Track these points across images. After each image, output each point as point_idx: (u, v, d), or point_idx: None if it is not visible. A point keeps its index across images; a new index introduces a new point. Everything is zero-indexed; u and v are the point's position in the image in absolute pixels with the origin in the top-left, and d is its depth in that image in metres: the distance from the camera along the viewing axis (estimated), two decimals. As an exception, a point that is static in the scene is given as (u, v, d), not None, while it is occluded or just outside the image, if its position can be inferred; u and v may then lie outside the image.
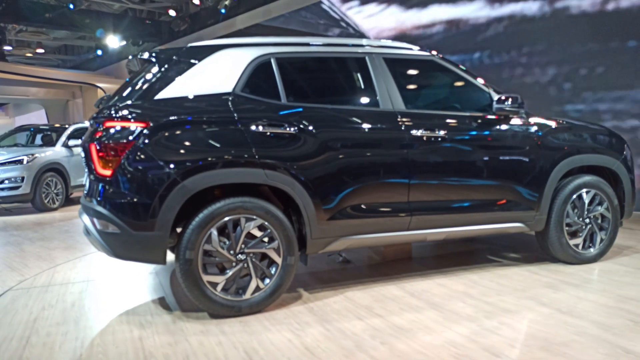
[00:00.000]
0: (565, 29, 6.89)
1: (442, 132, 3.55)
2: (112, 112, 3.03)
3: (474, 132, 3.69)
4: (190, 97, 3.12)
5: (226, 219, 3.03)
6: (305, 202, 3.19)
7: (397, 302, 3.27)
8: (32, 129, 10.47)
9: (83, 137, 3.34)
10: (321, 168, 3.23)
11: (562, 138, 3.96)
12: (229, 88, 3.20)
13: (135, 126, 2.93)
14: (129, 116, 2.97)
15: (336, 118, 3.37)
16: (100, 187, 2.99)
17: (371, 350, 2.54)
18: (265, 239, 3.14)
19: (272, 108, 3.23)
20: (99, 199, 2.99)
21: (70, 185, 9.15)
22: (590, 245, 4.06)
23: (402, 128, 3.46)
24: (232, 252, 3.05)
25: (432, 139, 3.52)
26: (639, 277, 3.61)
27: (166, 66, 3.21)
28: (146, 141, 2.92)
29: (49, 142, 9.43)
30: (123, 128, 2.94)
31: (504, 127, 3.76)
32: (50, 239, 6.06)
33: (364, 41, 3.70)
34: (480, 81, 3.86)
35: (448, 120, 3.64)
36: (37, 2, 13.76)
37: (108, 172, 2.94)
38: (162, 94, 3.09)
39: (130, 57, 3.49)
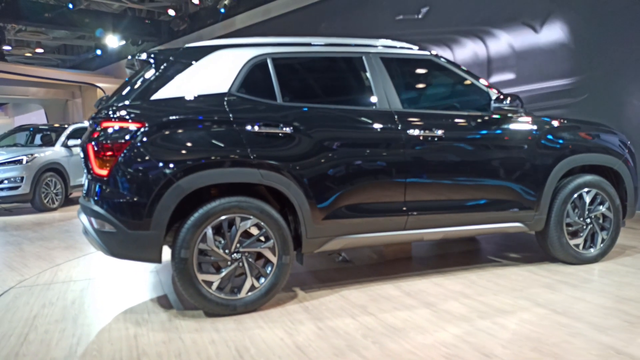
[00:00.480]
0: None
1: (439, 132, 3.54)
2: (109, 112, 3.06)
3: (471, 132, 3.68)
4: (187, 97, 3.14)
5: (221, 218, 3.05)
6: (300, 201, 3.20)
7: (393, 301, 3.27)
8: (31, 129, 10.48)
9: (82, 137, 3.38)
10: (316, 168, 3.23)
11: (562, 137, 3.93)
12: (225, 88, 3.22)
13: (130, 126, 2.97)
14: (125, 116, 3.00)
15: (332, 118, 3.38)
16: (97, 187, 3.03)
17: (362, 350, 2.55)
18: (261, 238, 3.16)
19: (268, 108, 3.24)
20: (96, 198, 3.03)
21: (70, 185, 9.18)
22: (591, 245, 4.03)
23: (399, 128, 3.46)
24: (227, 251, 3.07)
25: (429, 138, 3.51)
26: (639, 278, 3.56)
27: (163, 67, 3.23)
28: (142, 141, 2.95)
29: (48, 142, 9.45)
30: (119, 128, 2.98)
31: (502, 126, 3.74)
32: (49, 239, 6.11)
33: (361, 41, 3.70)
34: (479, 81, 3.84)
35: (445, 120, 3.63)
36: (37, 1, 13.75)
37: (104, 172, 2.97)
38: (159, 95, 3.12)
39: (129, 57, 3.53)
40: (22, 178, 8.40)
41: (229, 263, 3.08)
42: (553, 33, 7.07)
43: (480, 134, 3.69)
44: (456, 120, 3.69)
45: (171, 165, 2.94)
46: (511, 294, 3.32)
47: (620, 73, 6.44)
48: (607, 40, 6.51)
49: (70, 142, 9.26)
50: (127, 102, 3.10)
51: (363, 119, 3.46)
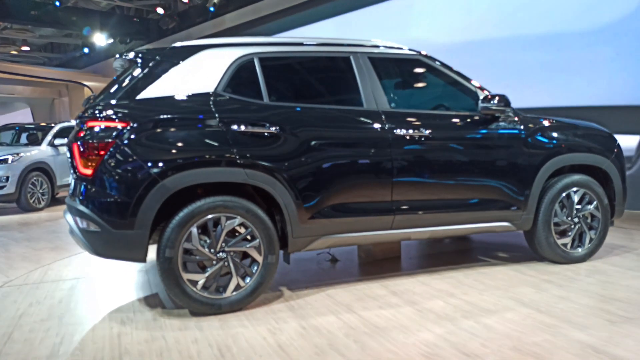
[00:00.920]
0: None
1: (426, 132, 3.54)
2: (94, 111, 3.07)
3: (458, 131, 3.69)
4: (173, 96, 3.15)
5: (206, 217, 3.06)
6: (286, 201, 3.21)
7: (378, 300, 3.28)
8: (17, 128, 10.30)
9: (69, 137, 3.39)
10: (302, 167, 3.24)
11: (550, 137, 3.93)
12: (211, 88, 3.23)
13: (115, 126, 2.97)
14: (110, 116, 3.01)
15: (318, 117, 3.39)
16: (82, 186, 3.04)
17: (343, 349, 2.55)
18: (247, 238, 3.16)
19: (254, 108, 3.25)
20: (81, 198, 3.04)
21: (56, 184, 9.05)
22: (579, 244, 4.03)
23: (386, 127, 3.46)
24: (212, 250, 3.08)
25: (416, 138, 3.52)
26: (626, 278, 3.58)
27: (149, 66, 3.24)
28: (126, 141, 2.95)
29: (34, 141, 9.31)
30: (103, 128, 2.99)
31: (489, 126, 3.75)
32: (36, 239, 6.04)
33: (348, 40, 3.70)
34: (468, 81, 3.85)
35: (432, 120, 3.64)
36: (23, -2, 13.49)
37: (89, 172, 2.98)
38: (145, 94, 3.13)
39: (117, 56, 3.54)
40: (7, 178, 8.28)
41: (214, 262, 3.09)
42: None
43: (467, 134, 3.70)
44: (443, 120, 3.70)
45: (155, 165, 2.95)
46: (496, 293, 3.33)
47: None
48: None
49: (57, 141, 9.13)
50: (112, 102, 3.10)
51: (350, 118, 3.47)
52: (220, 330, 2.86)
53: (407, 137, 3.50)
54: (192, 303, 3.06)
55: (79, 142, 3.02)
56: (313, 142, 3.28)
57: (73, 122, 9.28)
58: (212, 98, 3.19)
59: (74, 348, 2.70)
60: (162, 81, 3.19)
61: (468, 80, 3.86)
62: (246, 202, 3.14)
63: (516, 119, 3.85)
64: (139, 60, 3.29)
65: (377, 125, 3.46)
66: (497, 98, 3.66)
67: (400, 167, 3.48)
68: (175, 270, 3.00)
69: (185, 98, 3.17)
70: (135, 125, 2.99)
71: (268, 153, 3.16)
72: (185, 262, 3.05)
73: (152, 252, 3.07)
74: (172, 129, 3.04)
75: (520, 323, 2.80)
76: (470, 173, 3.68)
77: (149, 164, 2.94)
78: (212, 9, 13.14)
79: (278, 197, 3.19)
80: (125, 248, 2.99)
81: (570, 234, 3.99)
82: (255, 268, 3.19)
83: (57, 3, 13.28)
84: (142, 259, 3.03)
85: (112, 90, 3.23)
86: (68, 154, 3.26)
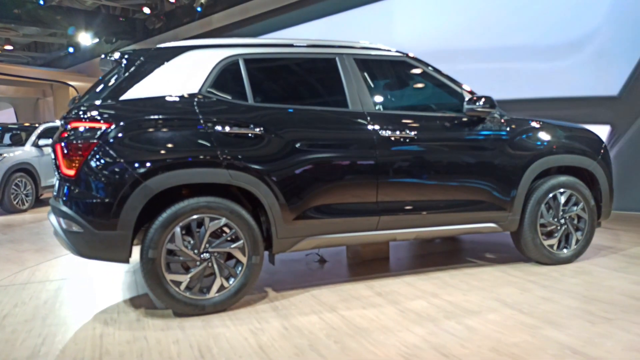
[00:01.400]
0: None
1: (411, 133, 3.55)
2: (78, 112, 3.07)
3: (443, 133, 3.70)
4: (156, 97, 3.15)
5: (190, 218, 3.06)
6: (270, 202, 3.21)
7: (362, 301, 3.28)
8: (0, 128, 10.11)
9: (53, 137, 3.39)
10: (287, 168, 3.24)
11: (536, 138, 3.94)
12: (195, 89, 3.23)
13: (98, 126, 2.98)
14: (93, 117, 3.01)
15: (303, 118, 3.39)
16: (65, 187, 3.04)
17: (323, 349, 2.56)
18: (231, 238, 3.17)
19: (238, 109, 3.26)
20: (64, 198, 3.04)
21: (41, 186, 8.92)
22: (566, 245, 4.04)
23: (371, 129, 3.47)
24: (196, 251, 3.08)
25: (401, 139, 3.52)
26: (610, 278, 3.58)
27: (134, 67, 3.24)
28: (109, 141, 2.96)
29: (18, 142, 9.19)
30: (86, 128, 2.99)
31: (474, 127, 3.75)
32: (20, 241, 5.98)
33: (334, 42, 3.71)
34: (453, 82, 3.86)
35: (418, 121, 3.64)
36: (6, -3, 13.27)
37: (72, 172, 2.98)
38: (128, 95, 3.13)
39: (102, 56, 3.54)
40: None
41: (197, 263, 3.09)
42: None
43: (453, 135, 3.71)
44: (429, 121, 3.71)
45: (138, 166, 2.95)
46: (481, 294, 3.33)
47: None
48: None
49: (41, 142, 9.00)
50: (96, 102, 3.11)
51: (334, 119, 3.48)
52: (203, 330, 2.87)
53: (392, 139, 3.50)
54: (175, 304, 3.06)
55: (62, 143, 3.02)
56: (297, 143, 3.28)
57: (57, 123, 9.19)
58: (196, 99, 3.20)
59: (55, 349, 2.70)
60: (146, 82, 3.19)
61: (454, 82, 3.87)
62: (230, 203, 3.15)
63: (502, 120, 3.86)
64: (124, 61, 3.29)
65: (361, 127, 3.46)
66: (482, 100, 3.67)
67: (385, 169, 3.49)
68: (158, 270, 3.00)
69: (169, 99, 3.17)
70: (118, 126, 2.99)
71: (252, 154, 3.17)
72: (168, 262, 3.05)
73: (137, 253, 3.07)
74: (155, 130, 3.04)
75: (501, 324, 2.81)
76: (455, 174, 3.69)
77: (132, 165, 2.95)
78: (199, 9, 13.07)
79: (262, 198, 3.20)
80: (108, 249, 2.99)
81: (556, 235, 4.00)
82: (240, 269, 3.19)
83: (41, 2, 13.07)
84: (125, 259, 3.03)
85: (96, 91, 3.25)
86: (52, 155, 3.27)
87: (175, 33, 14.09)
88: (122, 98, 3.12)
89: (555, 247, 4.00)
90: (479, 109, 3.69)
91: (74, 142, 2.98)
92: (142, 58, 3.29)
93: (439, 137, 3.67)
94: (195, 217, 3.07)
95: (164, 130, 3.06)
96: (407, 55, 3.85)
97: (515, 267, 3.96)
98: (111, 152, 2.95)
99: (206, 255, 3.11)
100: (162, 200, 3.06)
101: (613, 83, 6.44)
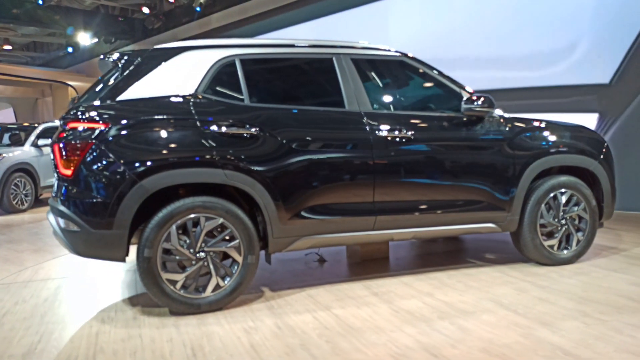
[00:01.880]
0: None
1: (408, 133, 3.55)
2: (76, 112, 3.11)
3: (441, 132, 3.68)
4: (153, 98, 3.18)
5: (186, 218, 3.09)
6: (265, 201, 3.22)
7: (357, 301, 3.29)
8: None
9: (52, 137, 3.44)
10: (282, 168, 3.26)
11: (535, 138, 3.92)
12: (191, 89, 3.25)
13: (94, 127, 3.01)
14: (89, 117, 3.05)
15: (299, 119, 3.40)
16: (63, 187, 3.08)
17: (313, 349, 2.57)
18: (227, 238, 3.18)
19: (234, 109, 3.28)
20: (62, 198, 3.08)
21: (40, 186, 8.92)
22: (566, 246, 4.01)
23: (367, 129, 3.47)
24: (192, 250, 3.11)
25: (398, 139, 3.52)
26: (609, 280, 3.55)
27: (131, 68, 3.27)
28: (105, 142, 2.99)
29: (17, 142, 9.20)
30: (83, 129, 3.03)
31: (473, 127, 3.74)
32: (18, 241, 5.97)
33: (331, 42, 3.71)
34: (451, 82, 3.84)
35: (415, 121, 3.63)
36: (4, -3, 13.22)
37: (69, 172, 3.02)
38: (125, 95, 3.16)
39: (101, 57, 3.58)
40: None
41: (193, 262, 3.12)
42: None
43: (450, 135, 3.70)
44: (426, 121, 3.70)
45: (134, 166, 2.98)
46: (477, 295, 3.32)
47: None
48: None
49: (41, 142, 9.01)
50: (93, 103, 3.14)
51: (331, 119, 3.49)
52: (197, 329, 2.89)
53: (389, 138, 3.50)
54: (171, 302, 3.09)
55: (60, 143, 3.07)
56: (293, 143, 3.29)
57: (57, 123, 9.15)
58: (192, 99, 3.22)
59: (51, 346, 2.73)
60: (143, 82, 3.22)
61: (453, 82, 3.86)
62: (226, 203, 3.17)
63: (501, 120, 3.84)
64: (121, 62, 3.32)
65: (358, 127, 3.47)
66: (481, 99, 3.66)
67: (382, 168, 3.49)
68: (154, 269, 3.03)
69: (165, 99, 3.20)
70: (114, 126, 3.02)
71: (247, 154, 3.18)
72: (164, 261, 3.08)
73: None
74: (151, 130, 3.07)
75: (495, 324, 2.80)
76: (453, 174, 3.68)
77: (127, 165, 2.98)
78: (198, 9, 13.07)
79: (257, 197, 3.21)
80: (105, 248, 3.03)
81: (557, 235, 3.96)
82: (235, 268, 3.21)
83: (40, 2, 13.00)
84: (122, 258, 3.06)
85: (94, 92, 3.28)
86: (51, 155, 3.31)
87: (174, 33, 14.10)
88: (119, 98, 3.15)
89: (555, 248, 3.97)
90: (476, 109, 3.67)
91: (71, 142, 3.02)
92: (139, 59, 3.31)
93: (437, 137, 3.66)
94: (191, 216, 3.09)
95: (160, 130, 3.08)
96: (405, 55, 3.84)
97: (514, 268, 3.94)
98: (107, 152, 2.98)
99: (202, 254, 3.13)
100: (161, 200, 3.10)
101: (604, 71, 6.40)
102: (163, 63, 3.31)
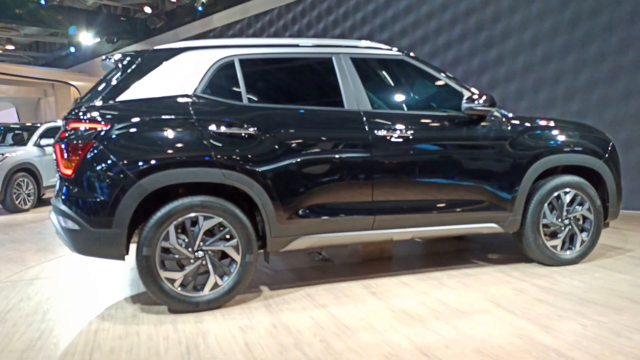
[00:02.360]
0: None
1: (407, 132, 3.54)
2: (78, 113, 3.16)
3: (440, 132, 3.67)
4: (152, 98, 3.22)
5: (184, 217, 3.12)
6: (263, 200, 3.24)
7: (356, 300, 3.29)
8: (2, 128, 10.05)
9: (55, 137, 3.49)
10: (280, 168, 3.27)
11: (538, 137, 3.88)
12: (190, 90, 3.28)
13: (94, 127, 3.06)
14: (90, 117, 3.09)
15: (297, 118, 3.41)
16: (64, 186, 3.13)
17: (307, 348, 2.58)
18: (225, 237, 3.21)
19: (232, 109, 3.30)
20: (63, 197, 3.13)
21: (42, 185, 8.90)
22: (570, 246, 3.97)
23: (366, 128, 3.47)
24: (190, 249, 3.14)
25: (397, 138, 3.51)
26: (612, 281, 3.50)
27: (132, 68, 3.31)
28: (104, 142, 3.03)
29: (20, 142, 9.20)
30: (83, 129, 3.07)
31: (473, 126, 3.71)
32: (21, 240, 5.95)
33: (330, 41, 3.72)
34: (453, 81, 3.82)
35: (414, 120, 3.62)
36: (7, -3, 13.32)
37: (69, 172, 3.07)
38: (125, 96, 3.21)
39: (103, 57, 3.63)
40: None
41: (191, 261, 3.15)
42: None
43: (450, 134, 3.68)
44: (425, 120, 3.68)
45: (133, 165, 3.02)
46: (475, 295, 3.30)
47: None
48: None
49: (43, 142, 9.00)
50: (94, 103, 3.19)
51: (329, 119, 3.49)
52: (193, 327, 2.92)
53: (388, 138, 3.49)
54: (169, 300, 3.12)
55: (60, 143, 3.12)
56: (291, 143, 3.31)
57: (59, 122, 9.18)
58: (191, 99, 3.25)
59: (50, 343, 2.78)
60: (143, 83, 3.26)
61: (455, 80, 3.84)
62: (224, 202, 3.19)
63: (503, 119, 3.81)
64: (122, 63, 3.36)
65: (357, 126, 3.47)
66: (483, 98, 3.63)
67: (381, 168, 3.48)
68: (153, 268, 3.07)
69: (164, 99, 3.23)
70: (113, 126, 3.06)
71: (245, 153, 3.20)
72: (162, 260, 3.11)
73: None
74: (150, 130, 3.11)
75: (490, 325, 2.78)
76: (453, 174, 3.66)
77: (126, 164, 3.02)
78: (200, 8, 13.10)
79: (255, 197, 3.23)
80: (104, 246, 3.07)
81: (560, 235, 3.93)
82: (233, 267, 3.23)
83: (43, 2, 13.08)
84: (121, 256, 3.10)
85: (95, 92, 3.32)
86: (54, 155, 3.36)
87: (176, 32, 14.16)
88: (119, 99, 3.19)
89: (558, 248, 3.93)
90: (477, 108, 3.64)
91: (72, 142, 3.07)
92: (139, 59, 3.35)
93: (436, 136, 3.65)
94: (189, 215, 3.12)
95: (159, 130, 3.12)
96: (406, 53, 3.83)
97: (516, 268, 3.91)
98: (106, 151, 3.02)
99: (200, 253, 3.16)
100: (163, 199, 3.13)
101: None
102: (163, 63, 3.34)
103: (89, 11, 15.19)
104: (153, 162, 3.05)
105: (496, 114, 3.80)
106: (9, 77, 17.34)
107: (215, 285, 3.20)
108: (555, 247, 3.92)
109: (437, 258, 4.41)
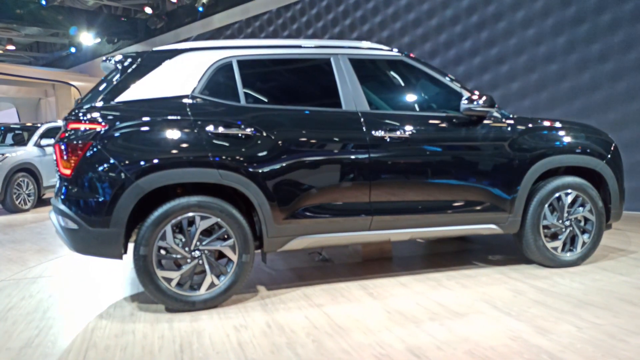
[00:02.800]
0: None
1: (405, 133, 3.53)
2: (77, 113, 3.20)
3: (439, 133, 3.65)
4: (150, 99, 3.25)
5: (181, 217, 3.14)
6: (260, 201, 3.26)
7: (352, 301, 3.29)
8: (2, 128, 10.04)
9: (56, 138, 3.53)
10: (277, 168, 3.28)
11: (538, 138, 3.85)
12: (188, 90, 3.31)
13: (92, 128, 3.09)
14: (88, 118, 3.13)
15: (294, 119, 3.42)
16: (62, 186, 3.17)
17: (299, 348, 2.59)
18: (222, 237, 3.23)
19: (230, 110, 3.32)
20: (62, 197, 3.17)
21: (43, 185, 8.91)
22: (571, 248, 3.93)
23: (364, 129, 3.47)
24: (187, 249, 3.16)
25: (395, 139, 3.51)
26: (613, 283, 3.47)
27: (131, 69, 3.34)
28: (102, 142, 3.07)
29: (20, 142, 9.19)
30: (82, 129, 3.11)
31: (472, 127, 3.69)
32: (21, 241, 5.96)
33: (328, 42, 3.73)
34: (452, 81, 3.81)
35: (412, 121, 3.61)
36: (7, -3, 13.40)
37: (68, 172, 3.11)
38: (124, 97, 3.24)
39: (103, 58, 3.67)
40: None
41: (188, 260, 3.17)
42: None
43: (449, 135, 3.66)
44: (424, 121, 3.67)
45: (130, 166, 3.05)
46: (472, 296, 3.29)
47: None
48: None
49: (43, 142, 9.01)
50: (93, 104, 3.22)
51: (327, 119, 3.50)
52: (189, 326, 2.94)
53: (386, 138, 3.49)
54: (166, 299, 3.15)
55: (59, 143, 3.16)
56: (288, 144, 3.32)
57: (59, 123, 9.19)
58: (188, 100, 3.27)
59: (47, 341, 2.82)
60: (141, 84, 3.29)
61: (455, 81, 3.82)
62: (221, 202, 3.21)
63: (502, 119, 3.79)
64: (122, 64, 3.40)
65: (355, 127, 3.47)
66: (482, 99, 3.61)
67: (379, 169, 3.48)
68: (150, 267, 3.09)
69: (163, 100, 3.26)
70: (111, 126, 3.10)
71: (242, 154, 3.22)
72: (159, 259, 3.14)
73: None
74: (147, 131, 3.13)
75: (484, 327, 2.77)
76: (451, 174, 3.64)
77: (124, 165, 3.05)
78: (201, 9, 13.14)
79: (252, 197, 3.25)
80: (102, 245, 3.11)
81: (561, 237, 3.89)
82: (230, 267, 3.25)
83: (43, 2, 13.13)
84: (119, 256, 3.13)
85: (94, 93, 3.36)
86: (54, 155, 3.41)
87: (177, 33, 14.20)
88: (118, 100, 3.23)
89: (559, 250, 3.89)
90: (476, 108, 3.62)
91: (71, 142, 3.11)
92: (139, 60, 3.38)
93: (434, 137, 3.64)
94: (186, 215, 3.15)
95: (156, 131, 3.14)
96: (405, 54, 3.82)
97: (515, 270, 3.88)
98: (104, 152, 3.06)
99: (197, 253, 3.18)
100: (162, 199, 3.16)
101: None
102: (162, 64, 3.37)
103: (89, 11, 15.27)
104: (150, 162, 3.08)
105: (496, 114, 3.78)
106: (9, 78, 17.39)
107: (212, 285, 3.22)
108: (555, 248, 3.89)
109: (437, 259, 4.40)
